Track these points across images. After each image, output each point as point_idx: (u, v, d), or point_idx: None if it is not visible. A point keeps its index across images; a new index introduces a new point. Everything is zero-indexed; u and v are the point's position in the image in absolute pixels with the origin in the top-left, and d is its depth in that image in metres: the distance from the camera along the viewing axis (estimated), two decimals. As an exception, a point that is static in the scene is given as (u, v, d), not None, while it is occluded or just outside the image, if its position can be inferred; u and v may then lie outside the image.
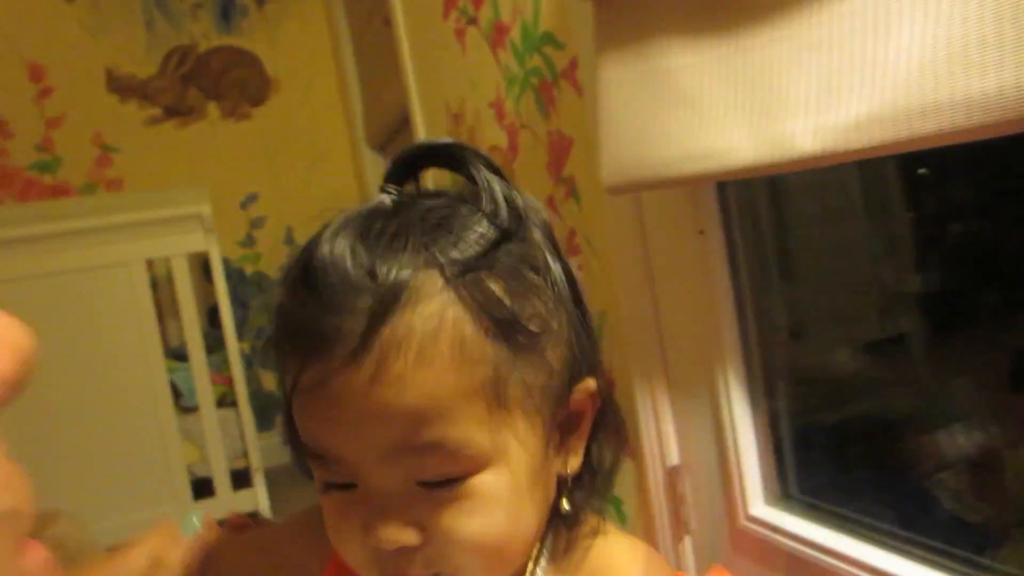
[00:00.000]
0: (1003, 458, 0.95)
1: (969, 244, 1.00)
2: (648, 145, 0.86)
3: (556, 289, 0.44)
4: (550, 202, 1.30)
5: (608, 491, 0.49)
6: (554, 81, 1.19)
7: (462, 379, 0.39)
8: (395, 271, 0.39)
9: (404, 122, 1.79)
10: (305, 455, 0.42)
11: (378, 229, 0.40)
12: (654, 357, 1.12)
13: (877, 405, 1.12)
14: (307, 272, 0.40)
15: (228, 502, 2.23)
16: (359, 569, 0.43)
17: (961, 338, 1.00)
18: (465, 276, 0.40)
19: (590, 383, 0.45)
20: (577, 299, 0.46)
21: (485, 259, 0.41)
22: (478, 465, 0.40)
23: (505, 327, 0.40)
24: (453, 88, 1.55)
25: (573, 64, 1.12)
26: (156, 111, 2.88)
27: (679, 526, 1.16)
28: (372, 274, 0.38)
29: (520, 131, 1.34)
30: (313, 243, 0.41)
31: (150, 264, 2.33)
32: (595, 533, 0.47)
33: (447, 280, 0.39)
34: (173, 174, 2.76)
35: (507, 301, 0.41)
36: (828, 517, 0.95)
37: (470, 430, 0.39)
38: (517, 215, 0.43)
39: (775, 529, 0.98)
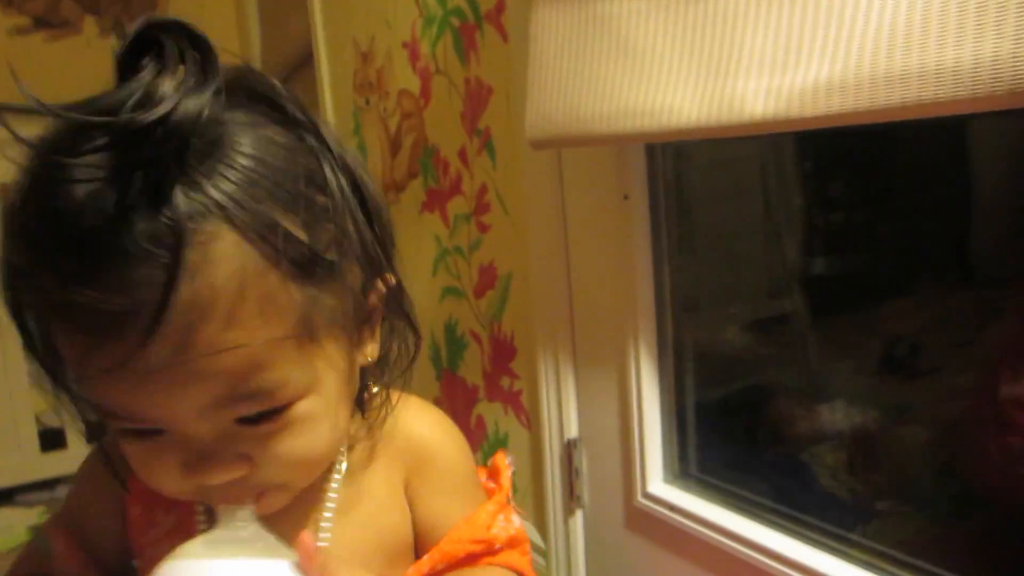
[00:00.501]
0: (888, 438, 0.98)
1: (866, 233, 1.03)
2: (580, 97, 0.79)
3: (342, 198, 0.42)
4: (462, 155, 1.22)
5: (407, 366, 0.51)
6: (477, 23, 1.11)
7: (273, 329, 0.38)
8: (175, 228, 0.34)
9: (307, 57, 1.66)
10: (98, 414, 0.40)
11: (131, 164, 0.34)
12: (561, 325, 1.07)
13: (778, 384, 1.13)
14: (61, 236, 0.35)
15: (79, 456, 2.05)
16: (183, 498, 0.43)
17: (854, 321, 1.02)
18: (254, 217, 0.36)
19: (382, 282, 0.46)
20: (361, 198, 0.44)
21: (268, 189, 0.37)
22: (296, 397, 0.40)
23: (306, 266, 0.39)
24: (364, 23, 1.44)
25: (500, 6, 1.04)
26: (23, 20, 2.58)
27: (572, 500, 1.13)
28: (151, 237, 0.34)
29: (434, 76, 1.26)
30: (53, 196, 0.35)
31: (3, 189, 2.10)
32: (394, 407, 0.50)
33: (237, 227, 0.36)
34: (38, 93, 2.48)
35: (303, 236, 0.39)
36: (725, 497, 0.94)
37: (285, 371, 0.39)
38: (286, 116, 0.40)
39: (672, 507, 0.96)
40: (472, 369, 1.31)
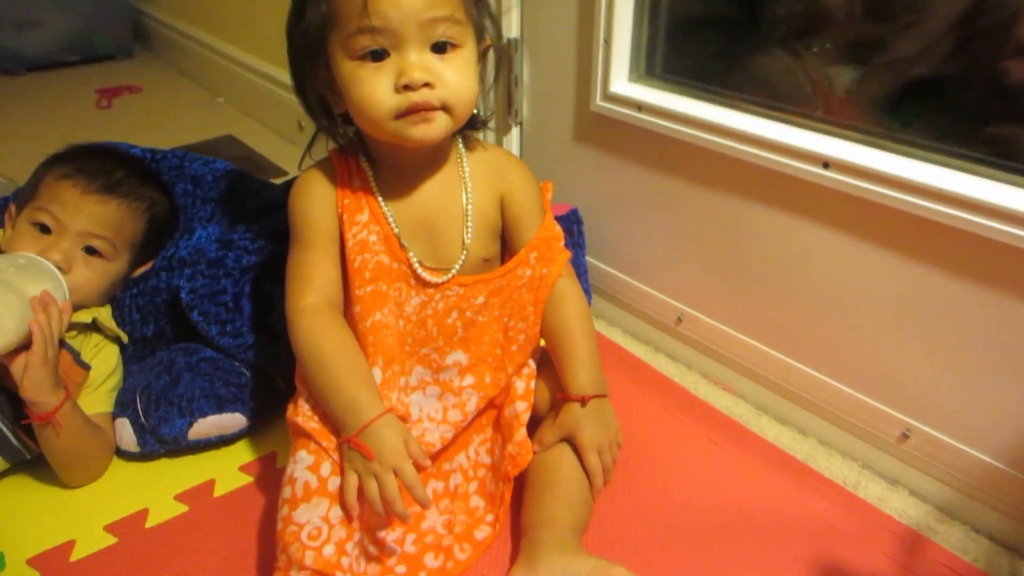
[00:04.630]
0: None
1: None
2: None
3: None
4: None
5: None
6: None
7: None
8: None
9: None
10: (355, 32, 0.62)
11: None
12: None
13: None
14: None
15: None
16: (382, 112, 0.63)
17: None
18: None
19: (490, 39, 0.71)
20: None
21: None
22: (462, 41, 0.65)
23: None
24: None
25: None
26: None
27: (509, 115, 1.03)
28: None
29: None
30: None
31: None
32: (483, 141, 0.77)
33: None
34: None
35: None
36: (697, 93, 0.88)
37: (461, 17, 0.64)
38: None
39: (640, 106, 0.89)
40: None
